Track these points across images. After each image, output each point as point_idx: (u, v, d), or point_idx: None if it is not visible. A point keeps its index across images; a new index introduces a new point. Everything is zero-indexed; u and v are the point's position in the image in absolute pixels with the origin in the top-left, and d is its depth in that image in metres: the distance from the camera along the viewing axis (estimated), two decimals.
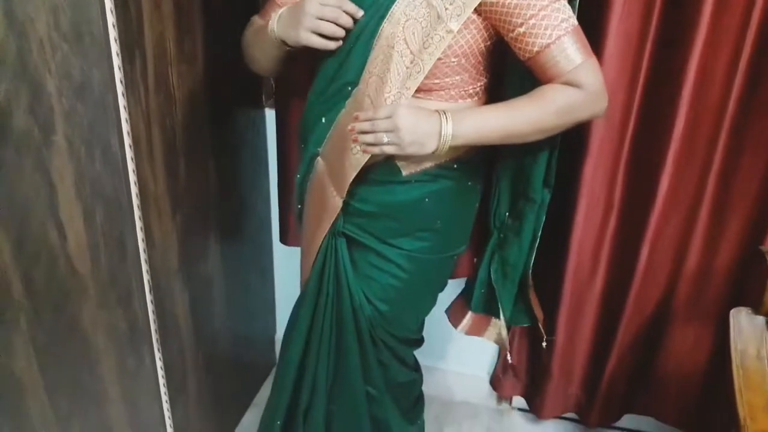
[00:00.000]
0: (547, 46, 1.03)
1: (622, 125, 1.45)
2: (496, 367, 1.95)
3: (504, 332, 1.46)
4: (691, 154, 1.46)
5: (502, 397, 2.01)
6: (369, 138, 1.06)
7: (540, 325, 1.49)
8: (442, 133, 1.05)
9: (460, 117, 1.06)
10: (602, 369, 1.75)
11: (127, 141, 1.17)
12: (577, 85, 1.05)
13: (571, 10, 1.07)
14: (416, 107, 1.06)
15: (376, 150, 1.07)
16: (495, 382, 1.97)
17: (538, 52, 1.05)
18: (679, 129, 1.41)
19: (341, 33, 1.10)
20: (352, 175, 1.14)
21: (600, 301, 1.68)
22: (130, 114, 1.15)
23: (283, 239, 1.82)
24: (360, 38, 1.10)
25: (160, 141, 1.25)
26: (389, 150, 1.06)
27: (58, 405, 1.50)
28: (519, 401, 2.00)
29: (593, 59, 1.07)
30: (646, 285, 1.63)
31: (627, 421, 1.90)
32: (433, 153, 1.07)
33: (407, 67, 1.07)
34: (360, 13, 1.09)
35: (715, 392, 1.71)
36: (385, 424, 1.40)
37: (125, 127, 1.15)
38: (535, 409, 1.90)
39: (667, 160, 1.44)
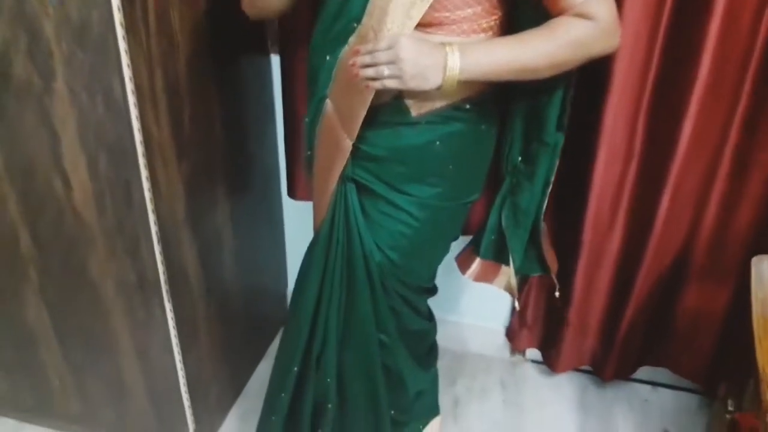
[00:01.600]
0: None
1: (643, 69, 1.39)
2: (511, 319, 1.94)
3: (513, 280, 1.44)
4: (716, 99, 1.40)
5: (517, 349, 2.00)
6: (370, 72, 1.01)
7: (552, 275, 1.46)
8: (448, 65, 1.00)
9: (468, 50, 1.01)
10: (619, 321, 1.73)
11: (129, 86, 1.13)
12: (590, 17, 1.01)
13: None
14: (420, 38, 1.01)
15: (377, 84, 1.02)
16: (510, 334, 1.96)
17: None
18: (703, 73, 1.35)
19: None
20: (361, 114, 1.10)
21: (618, 252, 1.65)
22: (131, 58, 1.11)
23: (291, 193, 1.79)
24: None
25: (162, 86, 1.22)
26: (391, 84, 1.01)
27: (70, 356, 1.52)
28: (533, 353, 1.99)
29: None
30: (666, 236, 1.59)
31: (642, 373, 1.89)
32: (439, 89, 1.02)
33: None
34: None
35: (733, 344, 1.68)
36: (396, 371, 1.39)
37: (127, 72, 1.12)
38: (550, 361, 1.89)
39: (690, 106, 1.39)
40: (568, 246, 1.61)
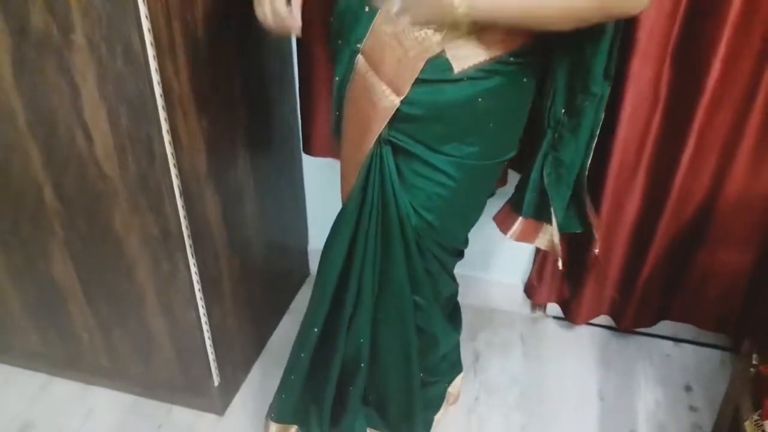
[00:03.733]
0: None
1: (672, 10, 1.35)
2: (530, 274, 1.93)
3: (556, 238, 1.41)
4: (746, 44, 1.36)
5: (536, 304, 2.01)
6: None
7: (594, 231, 1.43)
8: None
9: None
10: (639, 270, 1.72)
11: (148, 38, 1.12)
12: None
13: None
14: None
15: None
16: (529, 289, 1.95)
17: None
18: (734, 14, 1.30)
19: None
20: (418, 69, 1.08)
21: (641, 200, 1.62)
22: (149, 9, 1.10)
23: (307, 149, 1.77)
24: None
25: (181, 38, 1.20)
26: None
27: (97, 310, 1.54)
28: (553, 310, 1.99)
29: None
30: (690, 184, 1.56)
31: (664, 328, 1.89)
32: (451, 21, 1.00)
33: None
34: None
35: (759, 296, 1.66)
36: (431, 333, 1.39)
37: (145, 24, 1.10)
38: (570, 313, 1.89)
39: (718, 49, 1.35)
40: (590, 193, 1.59)
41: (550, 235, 1.41)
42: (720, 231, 1.62)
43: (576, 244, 1.65)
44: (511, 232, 1.45)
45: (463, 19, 0.99)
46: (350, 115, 1.23)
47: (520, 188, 1.41)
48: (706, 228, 1.62)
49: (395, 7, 1.01)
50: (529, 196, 1.38)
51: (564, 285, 1.88)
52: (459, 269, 1.45)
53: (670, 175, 1.55)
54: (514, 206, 1.43)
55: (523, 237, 1.46)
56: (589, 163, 1.31)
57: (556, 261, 1.46)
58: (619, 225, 1.66)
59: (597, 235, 1.44)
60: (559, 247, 1.41)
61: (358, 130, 1.22)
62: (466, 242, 1.41)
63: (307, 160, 1.90)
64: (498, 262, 1.97)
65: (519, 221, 1.43)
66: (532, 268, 1.91)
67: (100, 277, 1.47)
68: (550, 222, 1.38)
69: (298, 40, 1.58)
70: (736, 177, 1.53)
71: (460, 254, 1.41)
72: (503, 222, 1.46)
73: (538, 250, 1.82)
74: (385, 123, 1.16)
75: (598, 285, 1.78)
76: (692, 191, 1.59)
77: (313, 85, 1.62)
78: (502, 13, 1.01)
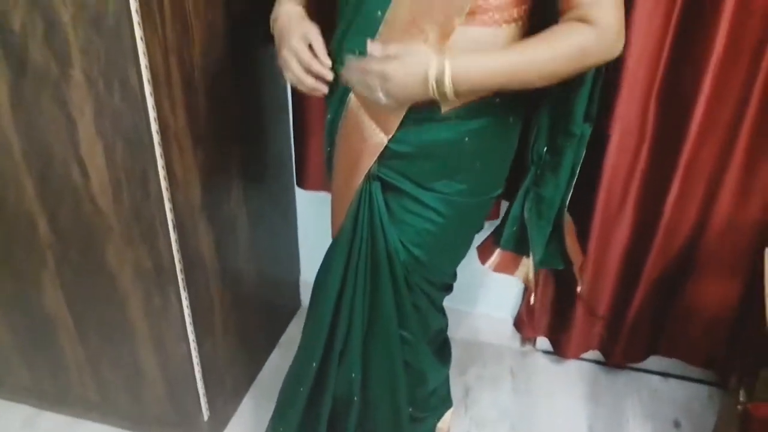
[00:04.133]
0: None
1: (656, 51, 1.39)
2: (520, 308, 1.94)
3: (531, 273, 1.43)
4: (727, 83, 1.40)
5: (526, 338, 2.01)
6: (355, 77, 1.04)
7: (576, 270, 1.45)
8: (433, 78, 0.99)
9: (466, 59, 1.01)
10: (628, 306, 1.73)
11: (146, 75, 1.14)
12: (592, 20, 0.98)
13: None
14: (409, 52, 1.01)
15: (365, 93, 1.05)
16: (518, 323, 1.96)
17: None
18: (716, 55, 1.35)
19: (322, 90, 1.11)
20: (403, 109, 1.11)
21: (628, 238, 1.65)
22: (147, 46, 1.12)
23: (300, 183, 1.79)
24: None
25: (178, 74, 1.22)
26: (378, 97, 1.02)
27: (87, 343, 1.53)
28: (543, 344, 2.00)
29: None
30: (677, 221, 1.59)
31: (652, 363, 1.89)
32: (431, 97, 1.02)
33: None
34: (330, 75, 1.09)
35: (745, 333, 1.68)
36: (418, 368, 1.39)
37: (143, 60, 1.13)
38: (559, 347, 1.89)
39: (702, 88, 1.38)
40: (578, 227, 1.61)
41: (527, 269, 1.43)
42: (705, 264, 1.65)
43: (564, 279, 1.66)
44: (489, 262, 1.47)
45: (449, 98, 1.02)
46: (341, 152, 1.25)
47: (503, 220, 1.43)
48: (692, 262, 1.65)
49: (382, 100, 1.03)
50: (509, 229, 1.40)
51: (553, 319, 1.89)
52: (448, 303, 1.46)
53: (657, 209, 1.57)
54: (495, 237, 1.45)
55: (500, 268, 1.48)
56: (568, 200, 1.33)
57: (540, 295, 1.49)
58: (608, 260, 1.68)
59: (578, 274, 1.46)
60: (533, 283, 1.43)
61: (348, 166, 1.24)
62: (454, 277, 1.42)
63: (299, 192, 1.92)
64: (487, 296, 1.98)
65: (497, 252, 1.46)
66: (522, 302, 1.92)
67: (91, 310, 1.46)
68: (528, 255, 1.40)
69: None
70: (722, 208, 1.56)
71: (448, 289, 1.42)
72: (483, 252, 1.48)
73: (536, 288, 1.83)
74: (374, 159, 1.18)
75: (587, 320, 1.79)
76: (679, 224, 1.61)
77: (307, 120, 1.65)
78: (484, 85, 1.04)
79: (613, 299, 1.76)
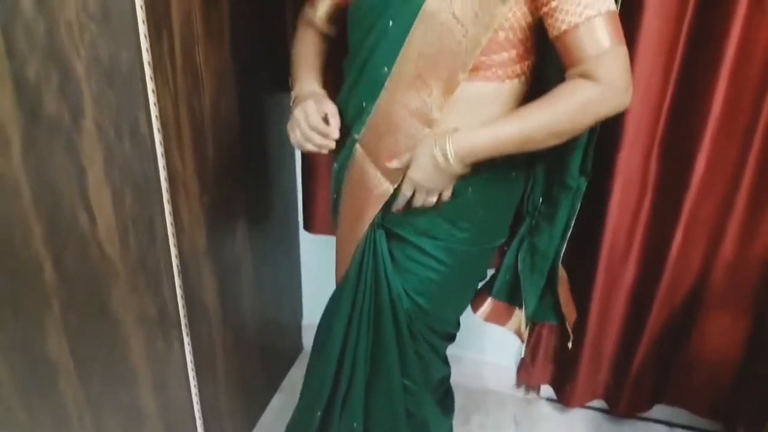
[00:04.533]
0: (576, 25, 0.98)
1: (657, 106, 1.41)
2: (523, 355, 1.93)
3: (523, 325, 1.43)
4: (729, 137, 1.42)
5: (529, 386, 1.99)
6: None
7: (568, 326, 1.45)
8: (443, 162, 1.07)
9: (467, 134, 1.06)
10: (632, 356, 1.72)
11: (156, 124, 1.16)
12: (597, 77, 0.99)
13: None
14: (425, 155, 1.09)
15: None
16: (522, 371, 1.94)
17: (565, 31, 0.99)
18: (716, 110, 1.37)
19: (330, 146, 1.15)
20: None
21: (632, 287, 1.65)
22: (158, 96, 1.14)
23: (308, 227, 1.81)
24: (399, 17, 1.06)
25: (188, 122, 1.25)
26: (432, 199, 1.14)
27: (89, 387, 1.52)
28: (547, 391, 1.98)
29: (623, 48, 1.01)
30: (679, 271, 1.59)
31: (658, 412, 1.87)
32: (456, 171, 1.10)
33: (460, 42, 1.02)
34: (336, 134, 1.14)
35: (752, 381, 1.66)
36: (422, 418, 1.38)
37: (153, 110, 1.15)
38: (563, 397, 1.87)
39: (703, 142, 1.41)
40: (582, 277, 1.61)
41: (519, 320, 1.42)
42: (709, 313, 1.64)
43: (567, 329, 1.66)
44: (480, 311, 1.47)
45: (462, 171, 1.10)
46: (347, 200, 1.27)
47: (496, 269, 1.43)
48: (696, 311, 1.64)
49: (436, 196, 1.14)
50: (502, 278, 1.41)
51: (557, 367, 1.88)
52: (451, 349, 1.45)
53: (660, 259, 1.58)
54: (488, 286, 1.45)
55: (492, 318, 1.47)
56: (562, 254, 1.33)
57: (546, 340, 1.48)
58: (612, 309, 1.68)
59: (570, 330, 1.45)
60: (525, 335, 1.42)
61: (353, 214, 1.25)
62: (457, 326, 1.42)
63: (304, 234, 1.93)
64: (491, 343, 1.97)
65: (489, 301, 1.46)
66: (525, 349, 1.91)
67: (93, 354, 1.46)
68: (521, 306, 1.40)
69: None
70: (725, 257, 1.56)
71: (451, 338, 1.41)
72: (476, 300, 1.48)
73: (531, 331, 1.82)
74: (379, 208, 1.20)
75: (591, 368, 1.78)
76: (683, 275, 1.61)
77: (315, 165, 1.67)
78: (493, 153, 1.09)
79: (618, 348, 1.75)
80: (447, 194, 1.14)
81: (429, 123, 1.09)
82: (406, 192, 1.14)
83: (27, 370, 1.54)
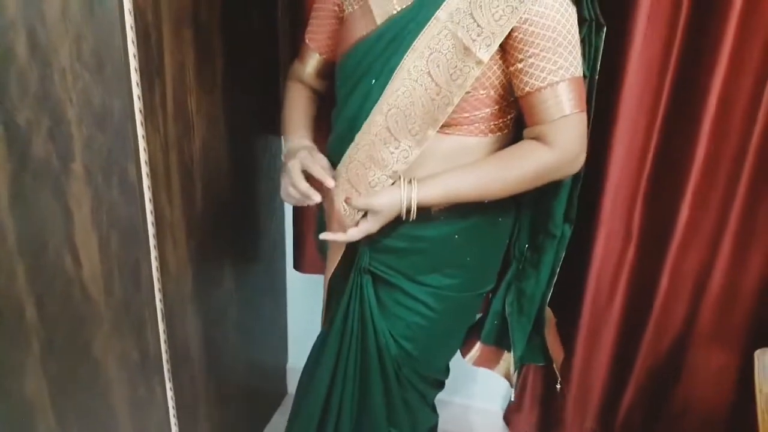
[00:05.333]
0: (539, 89, 1.02)
1: (641, 154, 1.43)
2: (510, 401, 1.91)
3: (512, 368, 1.43)
4: (712, 184, 1.44)
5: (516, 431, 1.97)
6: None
7: (555, 368, 1.45)
8: (405, 214, 1.10)
9: (425, 190, 1.09)
10: (619, 402, 1.71)
11: (145, 170, 1.17)
12: (553, 142, 1.04)
13: (577, 56, 1.04)
14: (382, 209, 1.10)
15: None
16: (508, 416, 1.93)
17: (528, 93, 1.04)
18: (699, 158, 1.39)
19: (309, 203, 1.18)
20: None
21: (617, 332, 1.65)
22: (148, 142, 1.15)
23: (297, 266, 1.81)
24: (382, 73, 1.09)
25: (177, 168, 1.25)
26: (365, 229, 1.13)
27: (68, 431, 1.49)
28: None
29: (582, 115, 1.06)
30: (665, 317, 1.60)
31: None
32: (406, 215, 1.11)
33: (433, 99, 1.06)
34: (331, 183, 1.14)
35: (741, 426, 1.66)
36: None
37: (143, 156, 1.16)
38: None
39: (687, 189, 1.42)
40: (566, 325, 1.61)
41: (508, 364, 1.43)
42: (696, 358, 1.64)
43: (553, 373, 1.65)
44: (469, 356, 1.47)
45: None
46: (331, 245, 1.28)
47: (484, 314, 1.44)
48: (683, 355, 1.64)
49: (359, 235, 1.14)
50: (490, 323, 1.41)
51: (543, 413, 1.87)
52: (439, 394, 1.44)
53: (646, 304, 1.58)
54: (477, 331, 1.45)
55: (481, 362, 1.47)
56: (548, 298, 1.35)
57: (530, 389, 1.47)
58: (597, 357, 1.67)
59: (558, 370, 1.45)
60: (514, 378, 1.42)
61: (333, 252, 1.26)
62: (446, 372, 1.41)
63: (290, 275, 1.92)
64: (479, 388, 1.96)
65: (478, 346, 1.46)
66: (514, 392, 1.90)
67: (73, 398, 1.43)
68: (510, 350, 1.40)
69: None
70: (711, 302, 1.56)
71: (440, 385, 1.41)
72: (465, 345, 1.48)
73: (518, 376, 1.81)
74: (343, 246, 1.22)
75: (578, 417, 1.77)
76: (669, 319, 1.61)
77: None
78: (448, 201, 1.12)
79: (604, 395, 1.75)
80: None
81: (392, 176, 1.12)
82: (354, 237, 1.14)
83: (4, 411, 1.52)
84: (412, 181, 1.09)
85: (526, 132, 1.09)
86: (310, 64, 1.31)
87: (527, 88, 1.03)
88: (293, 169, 1.15)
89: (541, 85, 1.02)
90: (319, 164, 1.15)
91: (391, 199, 1.09)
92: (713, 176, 1.42)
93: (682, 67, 1.35)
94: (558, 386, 1.50)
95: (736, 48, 1.29)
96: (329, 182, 1.11)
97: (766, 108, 1.33)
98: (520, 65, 1.03)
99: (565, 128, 1.04)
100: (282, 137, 1.33)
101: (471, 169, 1.10)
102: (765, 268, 1.49)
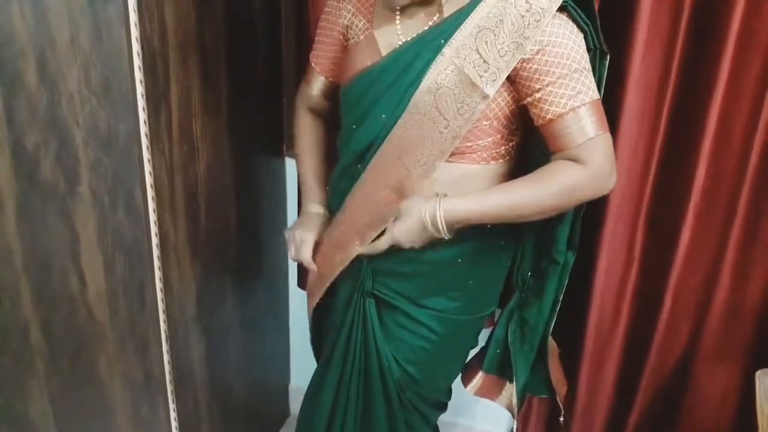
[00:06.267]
0: (561, 115, 1.03)
1: (642, 178, 1.44)
2: (515, 423, 1.90)
3: (515, 399, 1.42)
4: (713, 207, 1.44)
5: None
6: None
7: (559, 399, 1.44)
8: (431, 226, 1.10)
9: (457, 201, 1.09)
10: (624, 425, 1.70)
11: (150, 192, 1.18)
12: (583, 161, 1.04)
13: (592, 80, 1.06)
14: (409, 214, 1.12)
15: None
16: None
17: (551, 120, 1.04)
18: (699, 178, 1.40)
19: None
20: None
21: (621, 355, 1.64)
22: (153, 166, 1.17)
23: (302, 284, 1.82)
24: (391, 108, 1.11)
25: (182, 191, 1.27)
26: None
27: None
28: None
29: (607, 135, 1.06)
30: (669, 338, 1.60)
31: None
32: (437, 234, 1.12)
33: (441, 132, 1.07)
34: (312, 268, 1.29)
35: None
36: None
37: (149, 179, 1.17)
38: None
39: (687, 213, 1.43)
40: (571, 348, 1.61)
41: (510, 395, 1.41)
42: (700, 380, 1.63)
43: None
44: (471, 385, 1.46)
45: (445, 236, 1.11)
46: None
47: (487, 342, 1.43)
48: (687, 377, 1.64)
49: (384, 246, 1.16)
50: (492, 352, 1.40)
51: None
52: (443, 416, 1.44)
53: (649, 329, 1.58)
54: (478, 360, 1.45)
55: (482, 392, 1.46)
56: (551, 327, 1.34)
57: (537, 408, 1.46)
58: (601, 380, 1.67)
59: (561, 402, 1.45)
60: (516, 409, 1.41)
61: (326, 261, 1.29)
62: (449, 394, 1.41)
63: (293, 295, 1.93)
64: (483, 410, 1.95)
65: (480, 375, 1.45)
66: (517, 416, 1.89)
67: (77, 419, 1.44)
68: (512, 380, 1.39)
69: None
70: (714, 324, 1.56)
71: (443, 407, 1.41)
72: (466, 373, 1.47)
73: (522, 399, 1.81)
74: (343, 267, 1.25)
75: None
76: (672, 342, 1.61)
77: None
78: (476, 221, 1.12)
79: (608, 420, 1.74)
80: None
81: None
82: (383, 245, 1.15)
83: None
84: (438, 195, 1.10)
85: (553, 158, 1.09)
86: (316, 86, 1.33)
87: (549, 116, 1.04)
88: (305, 242, 1.27)
89: (563, 111, 1.02)
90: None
91: (415, 202, 1.11)
92: (714, 196, 1.43)
93: (680, 90, 1.36)
94: (561, 419, 1.49)
95: (733, 71, 1.30)
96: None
97: (763, 128, 1.34)
98: (538, 95, 1.04)
99: (593, 148, 1.04)
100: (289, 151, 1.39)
101: (501, 187, 1.11)
102: (767, 289, 1.49)
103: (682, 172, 1.42)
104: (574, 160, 1.05)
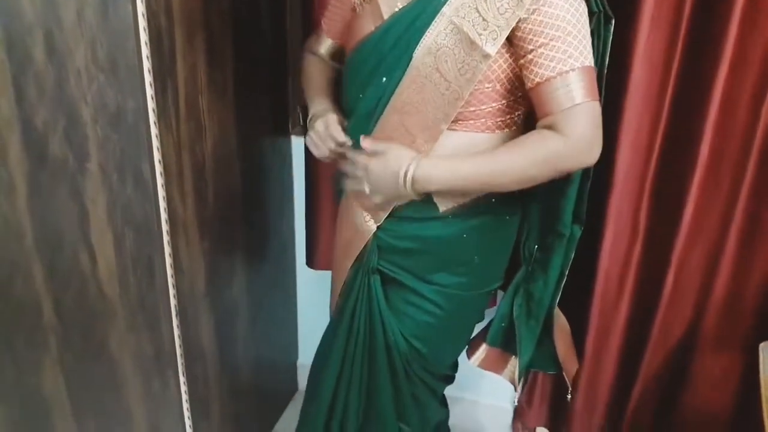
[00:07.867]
0: (548, 79, 1.01)
1: (646, 153, 1.44)
2: (520, 397, 1.92)
3: (517, 373, 1.42)
4: (717, 181, 1.44)
5: (526, 428, 1.98)
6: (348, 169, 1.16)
7: (567, 378, 1.44)
8: (405, 179, 1.08)
9: (433, 163, 1.08)
10: (627, 399, 1.72)
11: (158, 168, 1.19)
12: (564, 129, 1.01)
13: (587, 46, 1.03)
14: (390, 154, 1.10)
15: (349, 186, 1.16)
16: (519, 412, 1.94)
17: (538, 83, 1.02)
18: (704, 154, 1.40)
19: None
20: (389, 208, 1.17)
21: (625, 330, 1.66)
22: (161, 142, 1.18)
23: (310, 263, 1.83)
24: (392, 72, 1.10)
25: (189, 168, 1.28)
26: (365, 190, 1.14)
27: (84, 426, 1.52)
28: None
29: (595, 103, 1.03)
30: (672, 314, 1.60)
31: None
32: (405, 194, 1.10)
33: (442, 94, 1.06)
34: (342, 139, 1.20)
35: (746, 424, 1.66)
36: None
37: (156, 155, 1.18)
38: None
39: (692, 186, 1.43)
40: (575, 324, 1.62)
41: (514, 368, 1.42)
42: (703, 356, 1.64)
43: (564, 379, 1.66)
44: (474, 357, 1.47)
45: (418, 196, 1.10)
46: (338, 234, 1.31)
47: (493, 317, 1.44)
48: (691, 353, 1.65)
49: (366, 191, 1.14)
50: (497, 325, 1.41)
51: (553, 410, 1.88)
52: (449, 391, 1.45)
53: (653, 302, 1.59)
54: (483, 332, 1.46)
55: (486, 365, 1.46)
56: (557, 301, 1.34)
57: (542, 382, 1.47)
58: (606, 354, 1.68)
59: (569, 381, 1.45)
60: (518, 383, 1.41)
61: (342, 249, 1.29)
62: (455, 367, 1.42)
63: (301, 273, 1.95)
64: (487, 385, 1.97)
65: (483, 348, 1.45)
66: (522, 391, 1.91)
67: (89, 394, 1.46)
68: (516, 355, 1.40)
69: (307, 160, 1.69)
70: (716, 302, 1.57)
71: (449, 380, 1.42)
72: (470, 347, 1.48)
73: (525, 380, 1.83)
74: (362, 246, 1.23)
75: (587, 412, 1.78)
76: (676, 317, 1.62)
77: (320, 202, 1.71)
78: (451, 186, 1.10)
79: (613, 391, 1.75)
80: (373, 198, 1.16)
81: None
82: (357, 175, 1.15)
83: (22, 410, 1.55)
84: (415, 160, 1.09)
85: (538, 125, 1.07)
86: (324, 46, 1.35)
87: (537, 79, 1.02)
88: (331, 119, 1.22)
89: (551, 74, 1.00)
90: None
91: (400, 151, 1.10)
92: (718, 172, 1.43)
93: (685, 63, 1.36)
94: (569, 396, 1.50)
95: (739, 45, 1.30)
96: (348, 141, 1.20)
97: None
98: (529, 56, 1.02)
99: (577, 116, 1.01)
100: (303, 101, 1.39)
101: (479, 155, 1.09)
102: None
103: (687, 148, 1.42)
104: (556, 128, 1.02)
